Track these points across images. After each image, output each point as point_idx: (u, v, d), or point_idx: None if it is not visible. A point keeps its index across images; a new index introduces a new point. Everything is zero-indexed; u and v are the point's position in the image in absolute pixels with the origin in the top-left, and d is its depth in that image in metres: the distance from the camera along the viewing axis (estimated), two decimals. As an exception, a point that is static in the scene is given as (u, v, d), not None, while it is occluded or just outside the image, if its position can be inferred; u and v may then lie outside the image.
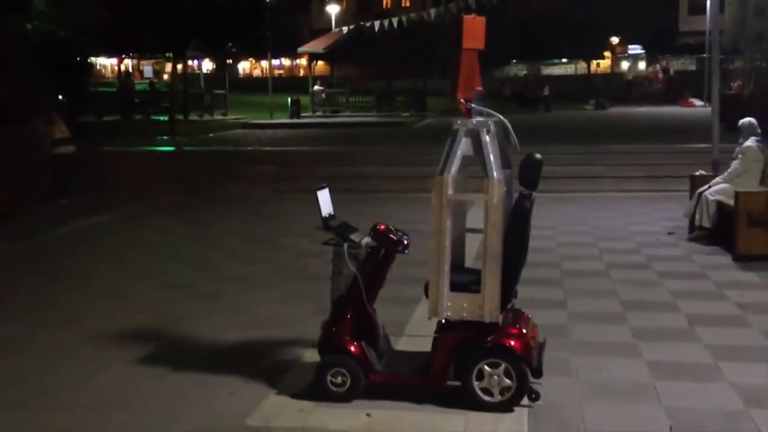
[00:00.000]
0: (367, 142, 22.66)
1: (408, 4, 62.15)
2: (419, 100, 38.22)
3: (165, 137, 25.67)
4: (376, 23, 29.71)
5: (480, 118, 4.82)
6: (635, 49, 58.83)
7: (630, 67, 58.96)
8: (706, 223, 9.23)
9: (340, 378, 4.87)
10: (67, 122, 14.61)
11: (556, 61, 58.67)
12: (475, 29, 4.89)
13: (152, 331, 6.56)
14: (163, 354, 6.02)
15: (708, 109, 12.85)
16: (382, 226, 4.96)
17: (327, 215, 5.02)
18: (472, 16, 5.00)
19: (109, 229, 11.71)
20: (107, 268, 9.05)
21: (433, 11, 30.79)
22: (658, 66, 54.01)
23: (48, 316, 7.15)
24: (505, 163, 4.86)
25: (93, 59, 47.86)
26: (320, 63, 54.07)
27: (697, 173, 10.21)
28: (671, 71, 50.72)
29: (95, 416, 4.93)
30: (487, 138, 4.74)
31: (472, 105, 4.85)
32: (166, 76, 55.94)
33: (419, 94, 39.17)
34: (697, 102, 36.04)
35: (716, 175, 9.70)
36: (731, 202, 8.67)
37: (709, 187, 9.39)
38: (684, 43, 49.65)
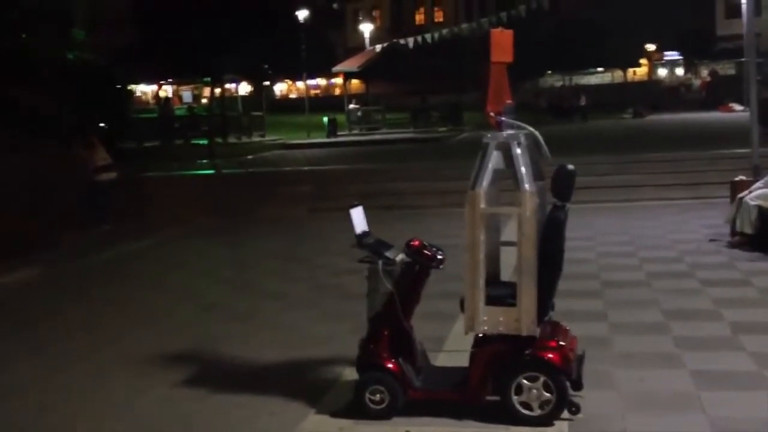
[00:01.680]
0: (403, 158, 22.75)
1: (441, 20, 62.34)
2: (455, 115, 38.29)
3: (204, 161, 26.02)
4: (410, 40, 29.85)
5: (510, 131, 4.82)
6: (672, 55, 58.22)
7: (668, 74, 58.31)
8: (748, 229, 9.07)
9: (378, 395, 4.87)
10: (109, 149, 14.89)
11: (592, 70, 58.30)
12: (503, 42, 4.91)
13: (192, 354, 6.63)
14: (204, 376, 6.08)
15: (748, 114, 12.66)
16: (416, 242, 4.97)
17: (361, 233, 5.05)
18: (499, 29, 5.02)
19: (149, 254, 11.88)
20: (147, 292, 9.18)
21: (465, 26, 30.93)
22: (706, 72, 53.31)
23: (89, 340, 7.27)
24: (538, 176, 4.84)
25: (133, 86, 48.80)
26: (355, 81, 54.41)
27: (737, 179, 10.06)
28: (717, 75, 49.97)
29: (138, 438, 5.00)
30: (518, 150, 4.74)
31: (503, 118, 4.85)
32: (204, 101, 56.85)
33: (455, 109, 39.22)
34: (737, 107, 35.51)
35: (757, 180, 9.54)
36: (773, 207, 8.52)
37: (750, 192, 9.24)
38: (722, 47, 48.99)
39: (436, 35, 42.30)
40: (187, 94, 64.52)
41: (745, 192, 9.30)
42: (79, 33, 33.09)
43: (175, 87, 62.61)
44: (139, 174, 19.52)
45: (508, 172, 4.78)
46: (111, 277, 10.31)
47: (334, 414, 5.01)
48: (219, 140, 33.92)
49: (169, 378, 6.00)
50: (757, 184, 9.34)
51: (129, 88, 42.21)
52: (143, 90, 62.53)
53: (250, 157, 28.82)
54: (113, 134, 24.67)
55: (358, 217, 5.07)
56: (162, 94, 51.26)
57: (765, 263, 8.42)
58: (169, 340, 7.05)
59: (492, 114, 4.86)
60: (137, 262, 11.28)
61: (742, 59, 21.12)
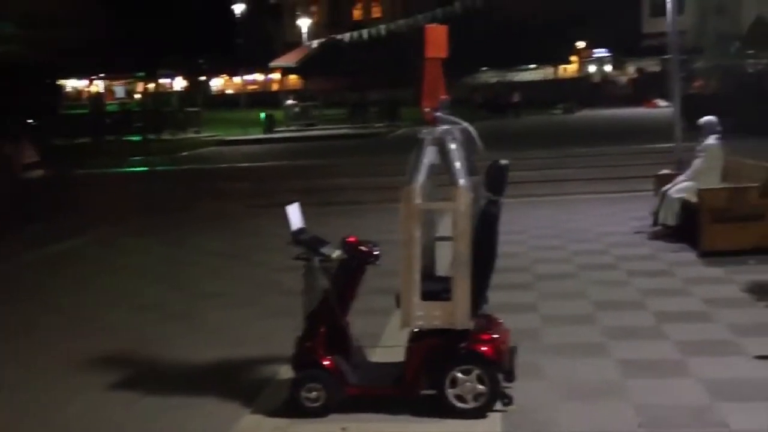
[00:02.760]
0: (341, 154, 22.78)
1: (379, 15, 62.42)
2: (392, 111, 38.41)
3: (138, 157, 25.58)
4: (348, 35, 29.89)
5: (445, 126, 4.90)
6: (601, 52, 59.47)
7: (597, 71, 59.55)
8: (671, 221, 9.39)
9: (314, 393, 4.90)
10: (39, 145, 14.56)
11: (525, 67, 59.16)
12: (437, 38, 4.97)
13: (125, 356, 6.54)
14: (137, 378, 6.00)
15: (671, 110, 13.07)
16: (353, 238, 5.03)
17: (297, 229, 5.08)
18: (434, 25, 5.09)
19: (81, 253, 11.66)
20: (80, 293, 9.01)
21: (402, 22, 31.10)
22: (632, 69, 54.54)
23: (18, 343, 7.11)
24: (472, 170, 4.94)
25: (64, 82, 47.63)
26: (293, 77, 54.15)
27: (661, 172, 10.38)
28: (643, 72, 51.18)
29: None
30: (453, 146, 4.82)
31: (438, 114, 4.93)
32: (138, 96, 55.81)
33: (392, 105, 39.35)
34: (662, 102, 36.54)
35: (679, 174, 9.88)
36: (695, 199, 8.83)
37: (673, 185, 9.55)
38: (648, 45, 50.27)
39: (374, 31, 42.39)
40: (119, 90, 63.23)
41: (669, 185, 9.61)
42: (6, 25, 32.15)
43: (107, 82, 61.29)
44: (71, 171, 19.08)
45: (443, 168, 4.87)
46: (41, 277, 10.09)
47: (270, 413, 5.01)
48: (153, 136, 33.36)
49: (101, 381, 5.90)
50: (680, 178, 9.66)
51: (59, 83, 41.25)
52: (74, 85, 61.07)
53: (185, 153, 28.41)
54: (43, 131, 24.12)
55: (294, 214, 5.10)
56: (94, 89, 50.06)
57: (687, 254, 8.73)
58: (103, 342, 6.94)
59: (427, 109, 4.93)
60: (69, 261, 11.06)
61: (667, 56, 21.77)
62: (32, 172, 13.88)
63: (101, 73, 47.51)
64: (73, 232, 12.94)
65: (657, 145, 15.81)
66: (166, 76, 55.39)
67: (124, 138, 34.05)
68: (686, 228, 9.06)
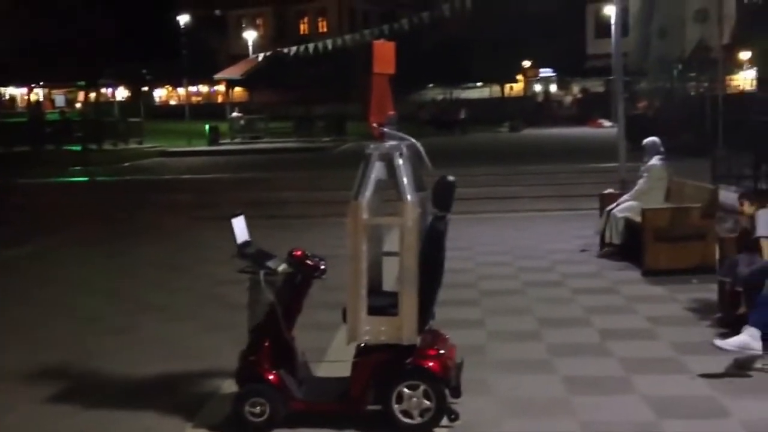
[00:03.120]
0: (287, 167, 22.65)
1: (325, 30, 62.46)
2: (339, 125, 38.43)
3: (78, 167, 25.03)
4: (294, 49, 29.81)
5: (393, 142, 4.88)
6: (546, 72, 60.51)
7: (542, 90, 60.55)
8: (616, 240, 9.51)
9: (258, 408, 4.81)
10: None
11: (471, 84, 59.83)
12: (384, 54, 4.97)
13: (63, 369, 6.35)
14: (75, 392, 5.83)
15: (616, 130, 13.31)
16: (299, 252, 4.96)
17: (242, 242, 4.99)
18: (381, 41, 5.08)
19: (19, 264, 11.31)
20: (17, 305, 8.72)
21: (349, 37, 31.09)
22: (576, 89, 55.57)
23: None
24: (419, 186, 4.92)
25: (2, 89, 46.48)
26: (238, 89, 53.79)
27: (605, 192, 10.52)
28: (587, 92, 52.18)
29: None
30: (400, 161, 4.80)
31: (385, 129, 4.91)
32: (78, 105, 54.74)
33: (339, 119, 39.38)
34: (606, 123, 37.28)
35: (624, 193, 10.03)
36: (638, 218, 8.97)
37: (617, 204, 9.69)
38: (592, 65, 51.35)
39: (320, 45, 42.33)
40: (60, 98, 61.91)
41: (613, 204, 9.74)
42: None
43: (47, 90, 60.02)
44: (8, 180, 18.57)
45: (390, 183, 4.84)
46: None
47: (212, 428, 4.92)
48: (93, 146, 32.71)
49: (37, 395, 5.72)
50: (625, 197, 9.81)
51: (-4, 90, 40.24)
52: (12, 93, 59.62)
53: (126, 164, 27.94)
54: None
55: (239, 227, 5.01)
56: (33, 97, 48.95)
57: (631, 272, 8.85)
58: (40, 354, 6.72)
59: (375, 125, 4.91)
60: (6, 272, 10.70)
61: (611, 77, 22.24)
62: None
63: (41, 80, 46.47)
64: (10, 243, 12.55)
65: (601, 165, 16.07)
66: (108, 86, 54.52)
67: (64, 147, 33.31)
68: (630, 247, 9.18)
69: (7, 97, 57.82)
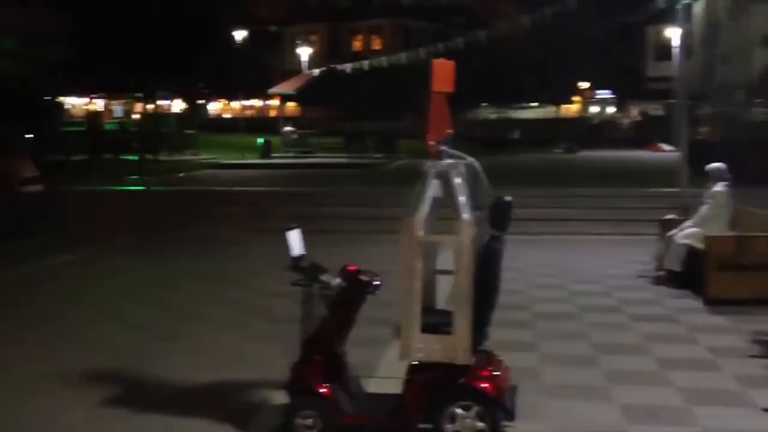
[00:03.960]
0: (337, 183, 22.69)
1: (379, 47, 62.84)
2: (389, 142, 38.44)
3: (134, 177, 25.47)
4: (348, 65, 29.94)
5: (450, 161, 4.82)
6: (604, 93, 59.86)
7: (600, 111, 59.87)
8: (676, 267, 9.26)
9: (309, 420, 4.77)
10: (36, 161, 14.44)
11: (526, 104, 59.50)
12: (444, 72, 4.93)
13: (116, 373, 6.39)
14: (127, 396, 5.86)
15: (676, 154, 13.01)
16: (353, 267, 4.92)
17: (297, 255, 4.96)
18: (441, 59, 5.03)
19: (73, 269, 11.48)
20: (70, 309, 8.84)
21: (403, 55, 31.16)
22: (634, 111, 54.83)
23: (9, 356, 6.95)
24: (475, 205, 4.84)
25: (63, 99, 47.65)
26: (291, 104, 54.23)
27: (666, 217, 10.27)
28: (646, 115, 51.39)
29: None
30: (458, 180, 4.75)
31: (443, 147, 4.85)
32: (136, 116, 55.82)
33: (389, 136, 39.40)
34: (666, 147, 36.62)
35: (685, 219, 9.77)
36: (701, 245, 8.72)
37: (679, 230, 9.44)
38: (652, 88, 50.60)
39: (374, 62, 42.63)
40: (118, 109, 63.19)
41: (675, 230, 9.50)
42: (9, 42, 32.22)
43: (106, 101, 61.37)
44: (66, 187, 18.93)
45: (446, 201, 4.77)
46: (32, 291, 9.91)
47: (263, 439, 4.88)
48: (150, 156, 33.28)
49: (92, 397, 5.77)
50: (687, 223, 9.55)
51: (58, 100, 41.24)
52: (73, 102, 61.10)
53: (181, 174, 28.33)
54: (41, 146, 24.03)
55: (294, 240, 4.98)
56: (92, 107, 50.06)
57: (691, 300, 8.60)
58: (93, 358, 6.78)
59: (432, 143, 4.86)
60: (60, 277, 10.88)
61: (671, 100, 21.79)
62: (30, 187, 13.71)
63: (101, 91, 47.55)
64: (67, 248, 12.77)
65: (661, 190, 15.69)
66: (165, 98, 55.53)
67: (122, 157, 33.95)
68: (691, 274, 8.92)
69: (68, 107, 59.28)
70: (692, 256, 9.04)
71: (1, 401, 5.77)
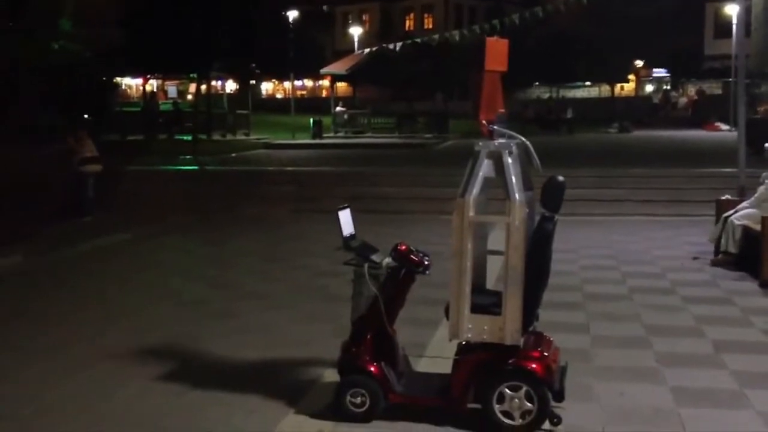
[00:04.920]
0: (388, 163, 22.69)
1: (431, 26, 62.39)
2: (441, 122, 38.20)
3: (188, 157, 25.83)
4: (399, 45, 29.78)
5: (502, 140, 4.78)
6: (660, 72, 58.57)
7: (657, 90, 58.62)
8: (732, 248, 9.09)
9: (359, 398, 4.83)
10: (94, 141, 14.75)
11: (580, 84, 58.57)
12: (497, 51, 4.88)
13: (170, 350, 6.55)
14: (182, 372, 6.00)
15: (734, 134, 12.69)
16: (404, 247, 4.93)
17: (348, 235, 5.00)
18: (495, 38, 4.98)
19: (129, 247, 11.76)
20: (124, 287, 9.07)
21: (456, 33, 30.85)
22: (692, 90, 53.55)
23: (65, 333, 7.17)
24: (527, 185, 4.81)
25: (118, 79, 48.47)
26: (342, 84, 54.37)
27: (723, 198, 10.07)
28: (703, 94, 50.12)
29: (112, 433, 4.92)
30: (509, 160, 4.71)
31: (494, 127, 4.82)
32: (190, 96, 56.52)
33: (441, 116, 39.16)
34: (723, 126, 35.72)
35: (742, 200, 9.57)
36: (758, 227, 8.54)
37: (736, 211, 9.26)
38: (709, 66, 49.37)
39: (426, 41, 42.33)
40: (172, 89, 64.09)
41: (731, 211, 9.32)
42: (66, 23, 32.86)
43: (160, 82, 62.22)
44: (121, 167, 19.29)
45: (498, 181, 4.75)
46: (90, 269, 10.18)
47: (314, 415, 4.96)
48: (203, 137, 33.67)
49: (147, 372, 5.92)
50: (743, 204, 9.36)
51: (114, 80, 41.94)
52: (128, 83, 62.10)
53: (234, 154, 28.61)
54: (96, 126, 24.50)
55: (345, 219, 5.02)
56: (147, 88, 50.82)
57: (747, 283, 8.45)
58: (147, 335, 6.95)
59: (484, 122, 4.83)
60: (117, 255, 11.15)
61: (729, 79, 21.23)
62: (90, 166, 14.03)
63: (156, 72, 48.17)
64: (122, 227, 13.06)
65: (718, 170, 15.35)
66: (218, 79, 56.05)
67: (176, 137, 34.41)
68: (747, 256, 8.76)
69: (124, 87, 60.27)
70: (749, 237, 8.87)
71: (59, 377, 5.95)
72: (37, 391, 5.63)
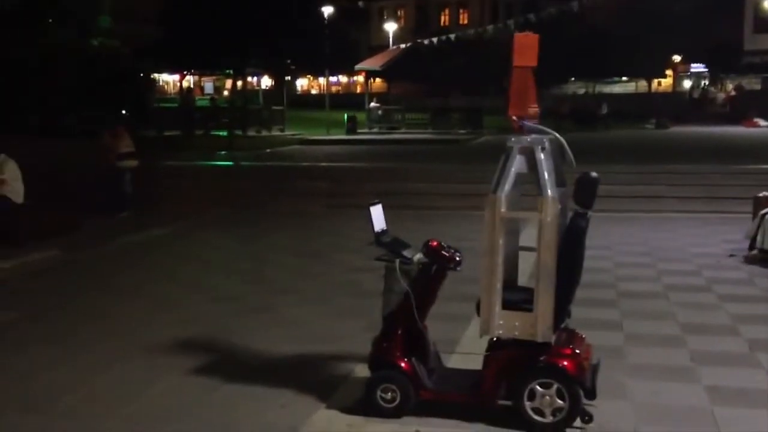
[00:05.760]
0: (422, 159, 22.68)
1: (466, 22, 62.20)
2: (475, 118, 38.06)
3: (223, 152, 26.07)
4: (434, 40, 29.68)
5: (535, 136, 4.77)
6: (698, 67, 57.74)
7: (696, 85, 57.80)
8: (768, 246, 8.97)
9: (390, 394, 4.86)
10: (131, 137, 14.93)
11: (616, 79, 57.94)
12: (526, 46, 4.85)
13: (205, 344, 6.63)
14: (216, 366, 6.08)
15: (773, 130, 12.50)
16: (435, 243, 4.94)
17: (380, 231, 5.02)
18: (524, 33, 4.96)
19: (165, 243, 11.91)
20: (161, 282, 9.19)
21: (490, 28, 30.69)
22: (731, 86, 52.73)
23: (102, 326, 7.29)
24: (560, 182, 4.79)
25: (156, 75, 49.06)
26: (377, 80, 54.36)
27: (760, 194, 9.93)
28: (742, 90, 49.32)
29: (148, 426, 5.02)
30: (542, 156, 4.68)
31: (525, 122, 4.80)
32: (226, 92, 57.01)
33: (475, 112, 39.02)
34: (762, 122, 35.12)
35: (781, 197, 9.43)
36: (796, 224, 8.41)
37: (773, 208, 9.13)
38: (749, 61, 48.51)
39: (461, 36, 42.20)
40: (209, 86, 64.75)
41: (768, 208, 9.19)
42: (105, 20, 33.32)
43: (197, 78, 62.87)
44: (158, 162, 19.53)
45: (530, 177, 4.74)
46: (126, 264, 10.34)
47: (345, 410, 5.00)
48: (239, 132, 33.92)
49: (181, 366, 6.01)
50: (781, 201, 9.23)
51: (152, 76, 42.43)
52: (166, 79, 62.80)
53: (268, 150, 28.79)
54: (134, 122, 24.79)
55: (377, 215, 5.04)
56: (185, 84, 51.40)
57: (784, 281, 8.33)
58: (183, 329, 7.05)
59: (514, 118, 4.82)
60: (153, 250, 11.30)
61: (769, 74, 20.77)
62: (127, 162, 14.21)
63: (193, 68, 48.72)
64: (159, 222, 13.23)
65: (756, 167, 15.12)
66: (254, 75, 56.45)
67: (212, 132, 34.70)
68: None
69: (161, 83, 60.99)
70: (787, 235, 8.73)
71: (96, 370, 6.06)
72: (73, 385, 5.74)
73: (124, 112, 27.99)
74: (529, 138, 4.75)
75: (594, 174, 4.73)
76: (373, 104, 41.73)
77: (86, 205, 13.18)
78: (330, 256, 10.35)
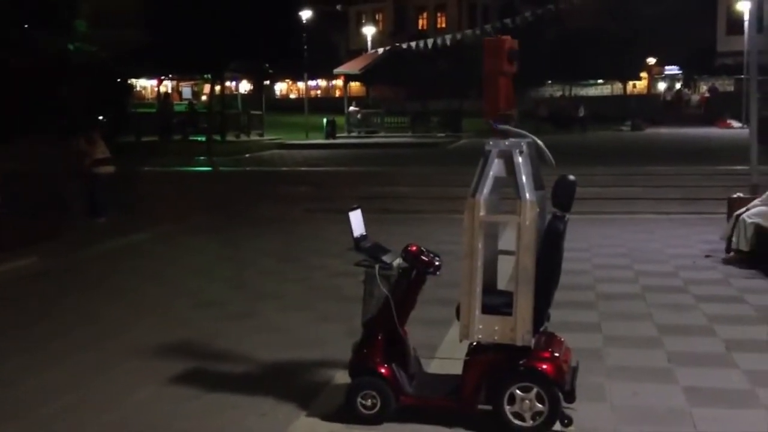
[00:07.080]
0: (401, 162, 22.74)
1: (444, 26, 62.37)
2: (454, 121, 38.25)
3: (202, 158, 25.98)
4: (412, 44, 29.80)
5: (513, 139, 4.79)
6: (672, 69, 58.31)
7: (669, 88, 58.38)
8: (744, 246, 9.06)
9: (370, 400, 4.86)
10: (107, 142, 14.84)
11: (592, 81, 58.38)
12: (496, 50, 4.86)
13: (186, 350, 6.61)
14: (197, 373, 6.06)
15: (746, 131, 12.66)
16: (414, 248, 4.95)
17: (359, 236, 5.02)
18: (494, 37, 4.99)
19: (144, 248, 11.84)
20: (142, 287, 9.14)
21: (468, 32, 30.91)
22: (704, 87, 53.28)
23: (83, 334, 7.24)
24: (538, 185, 4.82)
25: (133, 81, 48.72)
26: (356, 84, 54.36)
27: (734, 195, 10.04)
28: (716, 91, 49.85)
29: (128, 435, 4.99)
30: (520, 159, 4.71)
31: (499, 125, 4.82)
32: (204, 97, 56.71)
33: (454, 115, 39.21)
34: (735, 123, 35.56)
35: (754, 198, 9.53)
36: (770, 225, 8.52)
37: (747, 209, 9.23)
38: (722, 63, 49.06)
39: (439, 40, 42.38)
40: (186, 90, 64.32)
41: (743, 209, 9.29)
42: (81, 24, 33.10)
43: (175, 83, 62.48)
44: (137, 168, 19.46)
45: (509, 180, 4.76)
46: (106, 270, 10.27)
47: (325, 417, 4.99)
48: (217, 138, 33.84)
49: (163, 374, 5.99)
50: (755, 202, 9.33)
51: (129, 82, 42.17)
52: (143, 84, 62.40)
53: (247, 155, 28.76)
54: (111, 128, 24.66)
55: (356, 220, 5.04)
56: (162, 89, 51.09)
57: (760, 281, 8.42)
58: (163, 336, 7.02)
59: (491, 121, 4.84)
60: (132, 256, 11.24)
61: (742, 76, 21.08)
62: (102, 168, 14.13)
63: (170, 73, 48.42)
64: (137, 228, 13.15)
65: (730, 167, 15.30)
66: (232, 79, 56.23)
67: (190, 138, 34.59)
68: (759, 254, 8.73)
69: (139, 88, 60.58)
70: (761, 235, 8.84)
71: (76, 377, 6.03)
72: (55, 393, 5.70)
73: (101, 117, 27.82)
74: (507, 142, 4.77)
75: (571, 177, 4.77)
76: (352, 108, 41.79)
77: (63, 212, 13.08)
78: (310, 261, 10.34)
